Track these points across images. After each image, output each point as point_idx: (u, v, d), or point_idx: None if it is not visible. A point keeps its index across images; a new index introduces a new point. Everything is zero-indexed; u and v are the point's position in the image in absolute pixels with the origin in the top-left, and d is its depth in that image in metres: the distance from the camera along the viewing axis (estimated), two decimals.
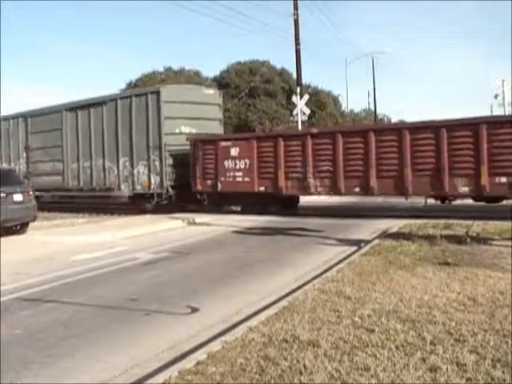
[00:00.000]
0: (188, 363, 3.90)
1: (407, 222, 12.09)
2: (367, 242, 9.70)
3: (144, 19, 71.03)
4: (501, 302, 5.14)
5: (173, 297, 6.28)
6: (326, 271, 7.17)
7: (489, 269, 6.70)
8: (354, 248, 9.13)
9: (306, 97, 23.41)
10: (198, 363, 3.88)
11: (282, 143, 14.39)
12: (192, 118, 16.67)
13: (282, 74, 35.95)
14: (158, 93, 16.32)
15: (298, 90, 23.22)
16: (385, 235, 10.41)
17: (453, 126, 12.26)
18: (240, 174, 15.06)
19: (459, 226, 10.75)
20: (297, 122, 23.12)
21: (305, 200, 16.64)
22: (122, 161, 17.10)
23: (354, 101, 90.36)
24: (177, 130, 16.46)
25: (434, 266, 7.05)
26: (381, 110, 51.84)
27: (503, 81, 44.70)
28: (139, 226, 13.72)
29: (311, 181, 13.93)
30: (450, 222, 11.39)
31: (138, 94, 17.38)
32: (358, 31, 69.78)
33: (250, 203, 15.34)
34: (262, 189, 14.76)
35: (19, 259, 9.13)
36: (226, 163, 15.28)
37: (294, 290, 6.13)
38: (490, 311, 4.87)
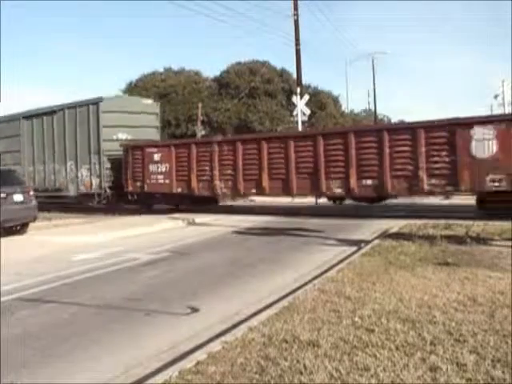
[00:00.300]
0: (188, 363, 3.90)
1: (407, 222, 12.10)
2: (367, 242, 9.70)
3: (144, 19, 71.10)
4: (501, 302, 5.14)
5: (173, 297, 6.29)
6: (326, 271, 7.17)
7: (489, 269, 6.70)
8: (354, 248, 9.14)
9: (306, 97, 23.39)
10: (198, 363, 3.88)
11: (194, 150, 16.36)
12: (130, 126, 18.56)
13: (282, 74, 35.96)
14: (97, 103, 18.27)
15: (298, 90, 23.21)
16: (385, 235, 10.41)
17: (328, 134, 14.51)
18: (162, 176, 16.98)
19: (459, 227, 10.76)
20: (297, 123, 23.11)
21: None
22: (68, 164, 19.12)
23: (354, 101, 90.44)
24: (114, 137, 18.29)
25: (434, 266, 7.06)
26: (381, 110, 51.89)
27: (503, 81, 44.65)
28: (139, 226, 13.72)
29: (217, 183, 15.79)
30: (450, 222, 11.40)
31: (82, 104, 18.96)
32: (358, 31, 69.84)
33: (172, 202, 17.59)
34: (180, 190, 16.65)
35: (19, 259, 9.14)
36: (150, 167, 17.17)
37: (294, 290, 6.13)
38: (490, 311, 4.87)
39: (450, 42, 73.89)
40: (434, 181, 12.65)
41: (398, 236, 9.95)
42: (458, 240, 8.93)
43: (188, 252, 9.77)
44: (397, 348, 4.01)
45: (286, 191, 14.84)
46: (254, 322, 4.87)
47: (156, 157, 17.06)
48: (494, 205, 12.37)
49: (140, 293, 6.58)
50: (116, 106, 18.40)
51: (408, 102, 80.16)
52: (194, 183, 16.20)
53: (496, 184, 11.90)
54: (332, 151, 13.86)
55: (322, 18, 63.40)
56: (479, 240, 8.98)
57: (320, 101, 34.95)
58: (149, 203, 17.90)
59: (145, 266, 8.46)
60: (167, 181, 16.78)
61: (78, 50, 69.21)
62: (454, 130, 12.36)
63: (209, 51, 68.70)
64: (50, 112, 19.61)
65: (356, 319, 4.76)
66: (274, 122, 32.96)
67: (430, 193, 13.26)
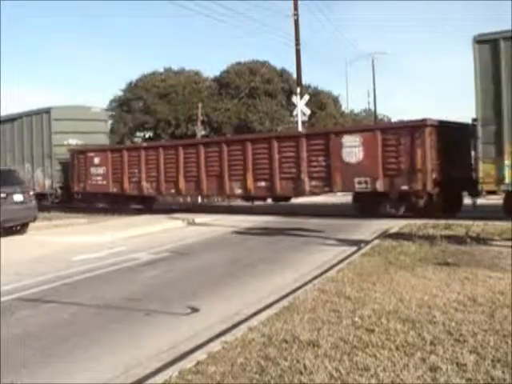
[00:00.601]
0: (188, 363, 3.90)
1: (407, 222, 12.10)
2: (367, 242, 9.70)
3: (144, 20, 71.06)
4: (501, 303, 5.14)
5: (173, 297, 6.29)
6: (326, 271, 7.17)
7: (489, 269, 6.70)
8: (354, 248, 9.13)
9: (306, 97, 23.41)
10: (198, 363, 3.88)
11: (126, 154, 18.41)
12: (80, 132, 20.78)
13: (282, 74, 35.96)
14: (49, 112, 20.41)
15: (298, 90, 23.21)
16: (385, 235, 10.41)
17: (231, 141, 16.80)
18: (100, 178, 19.07)
19: (459, 227, 10.76)
20: (297, 123, 23.12)
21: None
22: (26, 166, 21.02)
23: (354, 101, 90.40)
24: (65, 142, 20.56)
25: (434, 266, 7.06)
26: (381, 110, 51.85)
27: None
28: (139, 226, 13.73)
29: (144, 184, 17.91)
30: (450, 222, 11.40)
31: (37, 113, 21.01)
32: (358, 31, 69.80)
33: (109, 201, 19.26)
34: (115, 190, 18.75)
35: (19, 259, 9.14)
36: (92, 169, 19.25)
37: (294, 290, 6.13)
38: (490, 311, 4.87)
39: (450, 41, 73.89)
40: (314, 183, 14.60)
41: (397, 236, 9.95)
42: (458, 240, 8.93)
43: (188, 252, 9.77)
44: (397, 348, 4.01)
45: (198, 191, 17.18)
46: (254, 321, 4.87)
47: (96, 160, 19.18)
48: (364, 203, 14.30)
49: (140, 293, 6.58)
50: (66, 115, 20.47)
51: (408, 101, 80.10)
52: (125, 184, 18.32)
53: (362, 186, 13.81)
54: (233, 156, 15.86)
55: (322, 18, 63.42)
56: (479, 240, 8.97)
57: (320, 101, 34.97)
58: (91, 202, 19.80)
59: (145, 265, 8.47)
60: (104, 182, 18.93)
61: (77, 50, 69.25)
62: (329, 138, 14.28)
63: (209, 51, 68.72)
64: (12, 119, 21.86)
65: (356, 319, 4.76)
66: (274, 122, 32.97)
67: (312, 193, 15.17)
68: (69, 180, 20.00)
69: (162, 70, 37.76)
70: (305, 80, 27.23)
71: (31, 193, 13.42)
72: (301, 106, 22.84)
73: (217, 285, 6.91)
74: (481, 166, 11.99)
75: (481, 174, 11.98)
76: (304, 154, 14.52)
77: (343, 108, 42.47)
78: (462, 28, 57.46)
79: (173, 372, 3.74)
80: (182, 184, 16.93)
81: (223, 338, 4.43)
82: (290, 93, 31.09)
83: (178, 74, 37.09)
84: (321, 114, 34.55)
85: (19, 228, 12.92)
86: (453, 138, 13.38)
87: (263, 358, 3.92)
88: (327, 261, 8.12)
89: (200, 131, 30.86)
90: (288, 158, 14.89)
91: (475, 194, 12.77)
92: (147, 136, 37.25)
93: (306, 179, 14.51)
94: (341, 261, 7.94)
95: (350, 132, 14.41)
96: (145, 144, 19.24)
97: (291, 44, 24.18)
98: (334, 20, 74.90)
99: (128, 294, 6.53)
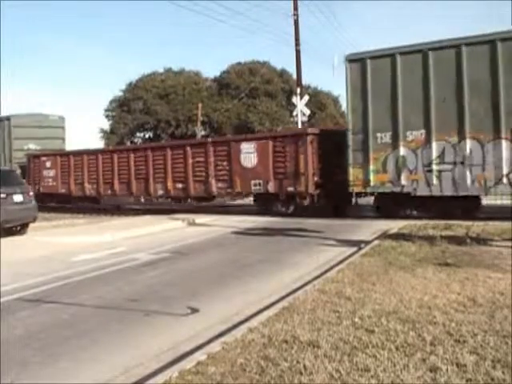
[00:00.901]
0: (188, 363, 3.90)
1: (407, 222, 12.11)
2: (367, 242, 9.70)
3: (144, 20, 71.02)
4: (501, 303, 5.14)
5: (173, 297, 6.29)
6: (326, 272, 7.17)
7: (489, 269, 6.70)
8: (354, 249, 9.14)
9: (306, 97, 23.40)
10: (198, 363, 3.88)
11: (72, 159, 20.61)
12: (39, 138, 22.91)
13: (282, 74, 35.95)
14: (9, 119, 22.63)
15: (298, 90, 23.22)
16: (385, 236, 10.41)
17: (156, 148, 18.82)
18: (51, 179, 21.23)
19: (459, 227, 10.77)
20: (297, 123, 23.12)
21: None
22: None
23: None
24: (25, 147, 22.64)
25: (434, 266, 7.06)
26: None
27: None
28: (139, 226, 13.73)
29: (86, 185, 20.06)
30: (450, 222, 11.41)
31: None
32: (359, 31, 69.78)
33: (59, 201, 21.30)
34: (63, 190, 20.84)
35: (19, 260, 9.14)
36: (44, 172, 21.41)
37: (294, 291, 6.13)
38: (490, 312, 4.87)
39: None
40: (219, 185, 16.50)
41: (397, 236, 9.96)
42: (458, 240, 8.94)
43: (188, 252, 9.77)
44: (397, 348, 4.01)
45: (129, 192, 19.15)
46: (254, 322, 4.87)
47: (48, 164, 21.34)
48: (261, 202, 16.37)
49: (140, 293, 6.58)
50: (25, 122, 22.60)
51: None
52: (71, 186, 20.51)
53: (257, 187, 15.66)
54: (156, 161, 17.97)
55: (322, 18, 63.42)
56: (479, 240, 8.98)
57: (320, 101, 34.94)
58: (44, 202, 20.54)
59: (145, 266, 8.46)
60: (54, 183, 21.12)
61: (77, 50, 69.21)
62: (230, 145, 16.24)
63: (209, 51, 68.67)
64: None
65: (356, 320, 4.76)
66: (274, 122, 32.96)
67: (218, 194, 17.33)
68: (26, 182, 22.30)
69: (161, 70, 37.79)
70: (305, 80, 27.23)
71: (31, 193, 13.42)
72: (301, 107, 22.85)
73: (217, 285, 6.91)
74: (351, 171, 13.79)
75: (351, 178, 13.77)
76: (211, 159, 16.55)
77: (343, 108, 42.47)
78: (462, 28, 57.47)
79: (173, 372, 3.74)
80: (116, 186, 19.20)
81: (223, 339, 4.43)
82: (290, 93, 31.10)
83: (177, 74, 37.09)
84: (321, 114, 34.54)
85: (19, 228, 12.92)
86: (334, 145, 14.68)
87: (263, 358, 3.92)
88: (327, 261, 8.12)
89: (200, 131, 30.90)
90: (199, 162, 16.91)
91: (357, 194, 14.39)
92: (147, 136, 37.28)
93: (213, 182, 16.54)
94: (341, 261, 7.95)
95: (247, 140, 16.29)
96: (86, 150, 21.47)
97: (291, 44, 24.20)
98: (334, 20, 74.80)
99: (128, 294, 6.53)
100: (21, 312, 5.83)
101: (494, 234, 9.76)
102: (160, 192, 18.05)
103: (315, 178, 14.76)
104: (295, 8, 23.67)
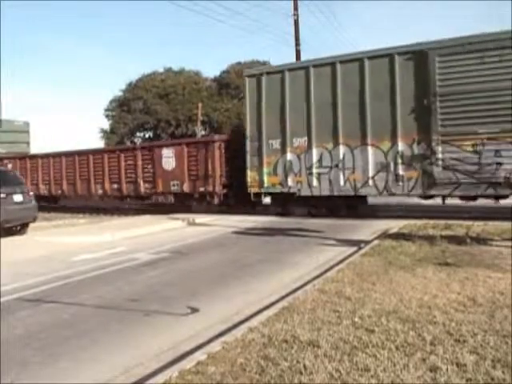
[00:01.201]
0: (188, 363, 3.90)
1: (407, 222, 12.11)
2: (367, 242, 9.70)
3: (144, 20, 71.03)
4: (501, 303, 5.14)
5: (173, 297, 6.29)
6: (326, 271, 7.17)
7: (489, 269, 6.70)
8: (354, 248, 9.14)
9: None
10: (198, 363, 3.88)
11: (28, 161, 22.49)
12: (4, 142, 24.48)
13: None
14: None
15: None
16: (385, 235, 10.41)
17: (93, 152, 20.75)
18: None
19: (459, 227, 10.77)
20: None
21: None
22: None
23: None
24: None
25: (434, 266, 7.06)
26: None
27: None
28: (139, 226, 13.73)
29: (41, 186, 21.73)
30: (450, 222, 11.41)
31: None
32: (359, 31, 69.76)
33: None
34: None
35: (19, 260, 9.14)
36: None
37: (294, 291, 6.13)
38: (490, 312, 4.87)
39: None
40: (146, 185, 18.65)
41: (397, 236, 9.96)
42: (458, 240, 8.94)
43: (188, 252, 9.77)
44: (397, 348, 4.01)
45: (75, 192, 21.00)
46: (254, 322, 4.87)
47: (9, 167, 22.05)
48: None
49: (140, 293, 6.58)
50: None
51: None
52: (28, 185, 21.75)
53: (175, 188, 17.88)
54: (96, 165, 20.14)
55: (322, 18, 63.36)
56: (479, 240, 8.98)
57: None
58: None
59: (145, 266, 8.46)
60: None
61: (77, 50, 69.21)
62: (154, 150, 18.48)
63: (209, 51, 68.66)
64: None
65: (356, 319, 4.77)
66: None
67: (145, 194, 18.99)
68: None
69: (161, 70, 37.81)
70: None
71: (31, 193, 13.42)
72: None
73: (217, 285, 6.91)
74: (249, 173, 15.62)
75: (249, 180, 15.61)
76: (139, 163, 18.83)
77: None
78: (461, 28, 57.45)
79: (173, 372, 3.75)
80: (65, 186, 21.25)
81: (223, 339, 4.43)
82: None
83: (177, 74, 37.11)
84: None
85: (19, 228, 12.93)
86: (240, 150, 16.02)
87: (263, 358, 3.92)
88: (327, 261, 8.12)
89: (200, 131, 30.88)
90: (130, 165, 19.19)
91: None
92: (147, 136, 37.29)
93: (141, 182, 18.78)
94: (341, 261, 7.94)
95: (167, 146, 18.56)
96: (40, 154, 22.95)
97: (291, 44, 24.19)
98: (334, 20, 74.77)
99: (128, 294, 6.53)
100: (21, 312, 5.83)
101: (494, 234, 9.76)
102: (99, 191, 20.22)
103: (222, 180, 16.80)
104: (295, 8, 23.69)
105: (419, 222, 11.80)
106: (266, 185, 15.36)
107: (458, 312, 4.90)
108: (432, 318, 4.72)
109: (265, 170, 15.35)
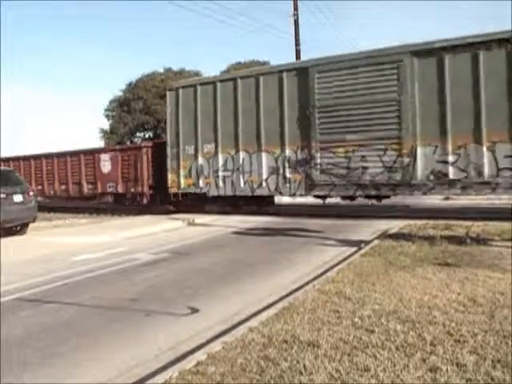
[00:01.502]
0: (188, 363, 3.91)
1: (407, 222, 12.11)
2: (367, 242, 9.70)
3: (144, 20, 71.02)
4: (501, 303, 5.14)
5: (173, 297, 6.29)
6: (326, 272, 7.17)
7: (489, 269, 6.70)
8: (354, 248, 9.13)
9: None
10: (198, 363, 3.88)
11: None
12: None
13: None
14: None
15: None
16: (385, 236, 10.41)
17: (46, 156, 22.58)
18: None
19: (459, 227, 10.77)
20: None
21: None
22: None
23: None
24: None
25: (434, 266, 7.06)
26: None
27: None
28: (139, 226, 13.73)
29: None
30: (450, 222, 11.40)
31: None
32: (359, 31, 69.78)
33: None
34: None
35: (19, 260, 9.14)
36: None
37: (294, 291, 6.13)
38: (490, 312, 4.87)
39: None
40: (89, 186, 20.79)
41: (397, 236, 9.95)
42: (458, 240, 8.93)
43: (188, 252, 9.77)
44: (397, 348, 4.01)
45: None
46: (253, 322, 4.87)
47: None
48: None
49: (140, 293, 6.58)
50: None
51: None
52: None
53: (111, 188, 19.87)
54: (48, 167, 22.18)
55: (322, 18, 63.32)
56: (479, 240, 8.98)
57: None
58: None
59: (145, 266, 8.47)
60: None
61: (78, 50, 69.20)
62: (95, 155, 20.45)
63: (209, 51, 68.65)
64: None
65: (356, 320, 4.77)
66: None
67: (88, 194, 20.80)
68: None
69: (161, 70, 37.81)
70: None
71: (31, 193, 13.42)
72: None
73: (217, 285, 6.91)
74: (169, 175, 17.45)
75: (169, 181, 17.42)
76: (83, 167, 20.87)
77: None
78: (461, 28, 57.46)
79: (173, 372, 3.75)
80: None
81: (223, 339, 4.43)
82: None
83: (177, 74, 37.10)
84: None
85: (19, 228, 12.93)
86: (165, 155, 17.66)
87: (263, 358, 3.92)
88: (327, 261, 8.12)
89: None
90: (74, 168, 21.23)
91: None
92: (147, 136, 37.28)
93: (85, 184, 20.86)
94: (341, 261, 7.94)
95: (104, 151, 20.84)
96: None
97: (291, 44, 24.20)
98: (334, 20, 74.75)
99: (128, 294, 6.53)
100: (21, 312, 5.83)
101: (494, 234, 9.76)
102: (51, 192, 22.20)
103: (149, 181, 18.75)
104: (295, 8, 23.69)
105: (419, 222, 11.80)
106: (182, 186, 17.19)
107: (457, 312, 4.90)
108: (432, 319, 4.72)
109: (182, 172, 17.18)
